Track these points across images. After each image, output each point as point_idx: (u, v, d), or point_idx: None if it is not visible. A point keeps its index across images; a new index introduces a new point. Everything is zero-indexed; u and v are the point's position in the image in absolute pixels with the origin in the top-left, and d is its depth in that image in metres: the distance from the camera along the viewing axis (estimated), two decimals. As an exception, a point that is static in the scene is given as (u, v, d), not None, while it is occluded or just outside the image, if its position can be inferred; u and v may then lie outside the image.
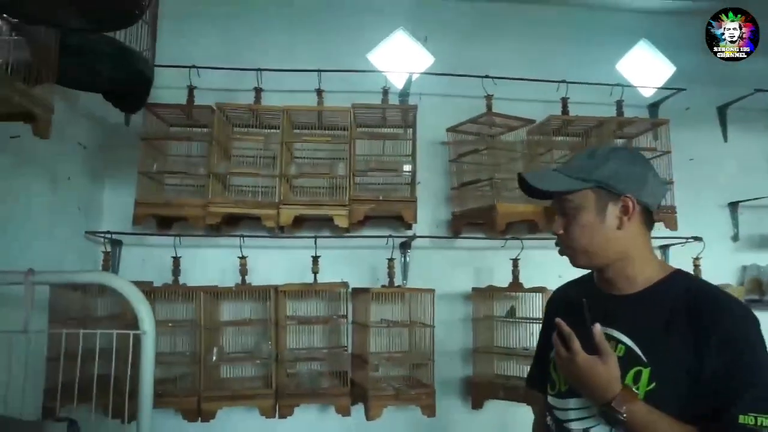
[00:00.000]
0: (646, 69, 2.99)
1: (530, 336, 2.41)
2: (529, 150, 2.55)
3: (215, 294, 2.33)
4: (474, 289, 2.50)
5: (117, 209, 2.48)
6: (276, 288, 2.25)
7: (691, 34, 3.09)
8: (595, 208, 1.04)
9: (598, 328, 0.97)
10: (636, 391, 0.96)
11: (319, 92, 2.50)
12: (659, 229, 2.71)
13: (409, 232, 2.55)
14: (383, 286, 2.40)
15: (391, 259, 2.39)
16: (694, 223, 2.61)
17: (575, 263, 1.09)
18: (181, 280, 2.37)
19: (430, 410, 2.23)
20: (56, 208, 2.14)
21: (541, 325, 1.33)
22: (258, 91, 2.48)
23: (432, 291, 2.34)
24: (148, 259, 2.50)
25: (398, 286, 2.38)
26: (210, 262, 2.52)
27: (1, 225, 1.77)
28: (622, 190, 1.03)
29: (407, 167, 2.38)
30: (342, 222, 2.26)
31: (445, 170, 2.73)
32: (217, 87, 2.55)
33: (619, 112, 2.64)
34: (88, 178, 2.41)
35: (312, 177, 2.39)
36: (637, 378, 0.98)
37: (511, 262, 2.48)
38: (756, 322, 0.96)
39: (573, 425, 1.07)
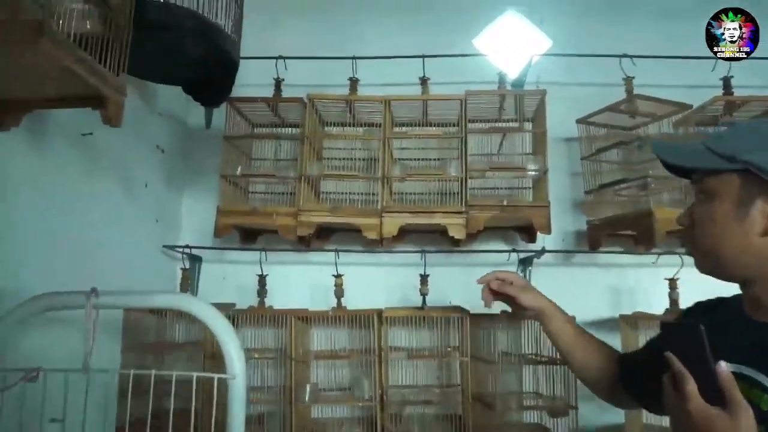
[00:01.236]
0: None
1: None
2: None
3: (307, 319, 1.98)
4: (622, 317, 2.01)
5: (197, 221, 2.20)
6: (380, 313, 1.87)
7: None
8: (736, 199, 0.78)
9: (723, 367, 0.68)
10: None
11: (424, 81, 2.13)
12: None
13: (534, 246, 2.11)
14: (504, 312, 1.97)
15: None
16: None
17: (699, 268, 0.86)
18: (267, 301, 2.04)
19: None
20: (131, 218, 1.87)
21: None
22: (353, 82, 2.14)
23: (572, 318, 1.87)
24: (230, 276, 2.19)
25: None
26: (298, 282, 2.19)
27: (68, 237, 1.49)
28: None
29: (533, 165, 1.95)
30: (458, 233, 1.86)
31: (570, 172, 2.27)
32: (306, 83, 2.23)
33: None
34: (166, 186, 2.15)
35: (420, 179, 2.01)
36: None
37: (667, 282, 1.98)
38: None
39: None
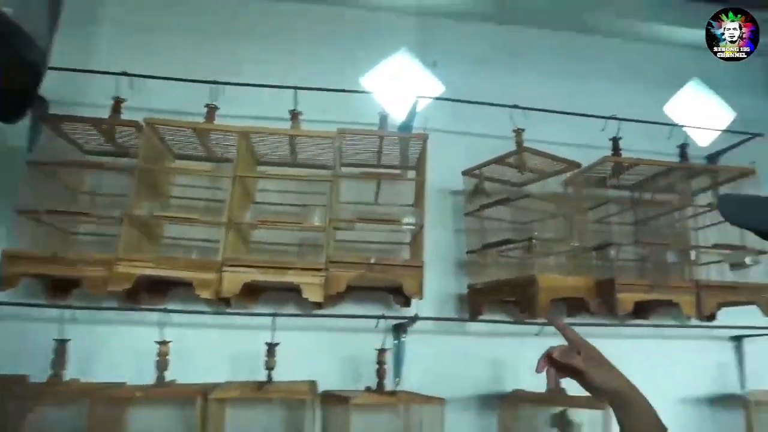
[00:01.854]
0: (700, 114, 2.43)
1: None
2: (574, 203, 1.90)
3: (114, 399, 1.55)
4: (501, 397, 1.76)
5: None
6: (205, 393, 1.48)
7: (755, 75, 2.62)
8: None
9: None
10: None
11: (294, 115, 1.84)
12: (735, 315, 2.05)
13: (408, 311, 1.84)
14: (368, 389, 1.66)
15: (382, 350, 1.65)
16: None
17: None
18: (72, 373, 1.60)
19: None
20: None
21: None
22: (211, 110, 1.81)
23: (442, 401, 1.59)
24: (29, 340, 1.72)
25: (391, 392, 1.63)
26: (121, 349, 1.76)
27: None
28: None
29: (410, 219, 1.70)
30: (314, 294, 1.54)
31: (454, 228, 2.06)
32: (158, 107, 1.88)
33: (684, 159, 2.03)
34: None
35: (274, 227, 1.68)
36: None
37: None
38: None
39: None
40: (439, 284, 1.98)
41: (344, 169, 1.89)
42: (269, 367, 1.57)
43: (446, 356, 1.93)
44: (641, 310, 2.02)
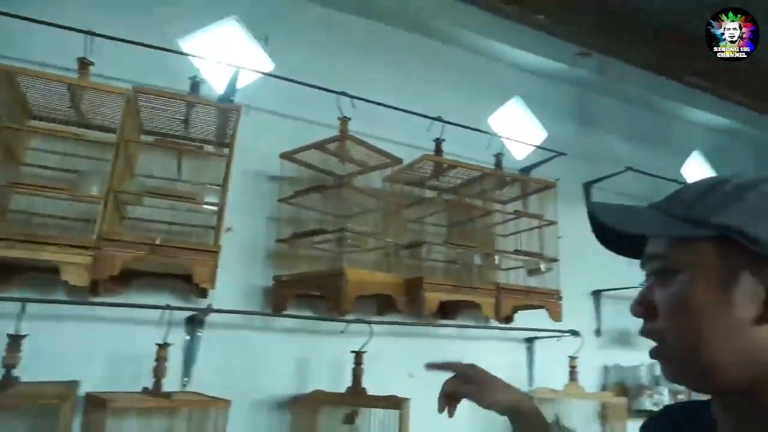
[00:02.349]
0: (518, 129, 2.58)
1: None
2: (392, 200, 1.86)
3: None
4: (295, 398, 1.65)
5: None
6: None
7: (567, 103, 2.88)
8: (715, 276, 0.54)
9: None
10: None
11: (84, 64, 1.54)
12: (527, 318, 2.19)
13: (203, 302, 1.64)
14: (145, 391, 1.43)
15: (162, 345, 1.43)
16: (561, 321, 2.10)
17: (670, 375, 0.58)
18: None
19: None
20: None
21: None
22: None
23: (226, 403, 1.43)
24: None
25: (167, 394, 1.42)
26: None
27: None
28: None
29: (212, 199, 1.50)
30: (76, 276, 1.27)
31: (268, 216, 1.90)
32: None
33: (498, 168, 2.12)
34: None
35: (37, 193, 1.37)
36: None
37: (353, 356, 1.70)
38: None
39: None
40: (246, 276, 1.81)
41: (142, 137, 1.63)
42: (7, 364, 1.26)
43: (247, 354, 1.76)
44: (448, 311, 2.06)
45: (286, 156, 1.80)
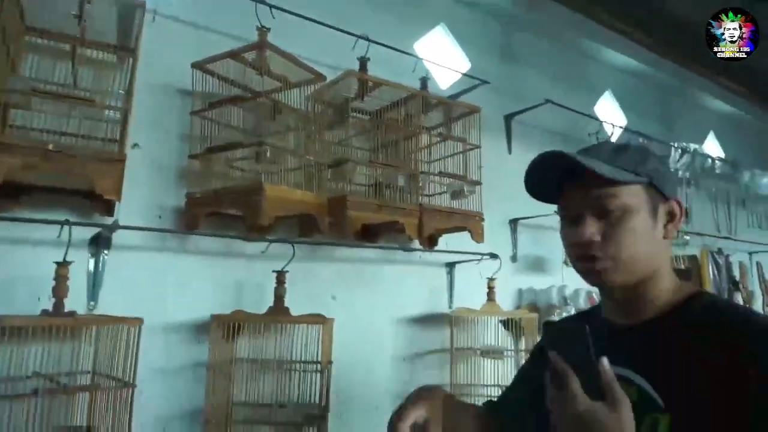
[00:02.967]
0: (443, 58, 2.55)
1: (303, 386, 1.62)
2: (313, 120, 1.79)
3: None
4: (214, 317, 1.59)
5: None
6: None
7: (490, 36, 2.87)
8: (648, 210, 0.83)
9: (605, 363, 0.71)
10: None
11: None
12: (450, 242, 2.24)
13: (108, 219, 1.52)
14: (45, 313, 1.32)
15: (62, 263, 1.32)
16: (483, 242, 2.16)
17: (611, 280, 0.82)
18: None
19: None
20: None
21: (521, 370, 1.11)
22: None
23: (138, 321, 1.35)
24: None
25: (71, 313, 1.31)
26: None
27: None
28: (669, 192, 0.85)
29: (115, 102, 1.36)
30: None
31: (180, 134, 1.77)
32: None
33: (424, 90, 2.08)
34: None
35: None
36: (653, 428, 0.76)
37: (275, 276, 1.66)
38: None
39: None
40: (156, 196, 1.69)
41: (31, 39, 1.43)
42: None
43: (160, 278, 1.67)
44: (371, 236, 2.06)
45: (199, 66, 1.67)
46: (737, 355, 0.73)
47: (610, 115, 3.15)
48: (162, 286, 1.67)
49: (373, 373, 2.11)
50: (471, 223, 1.94)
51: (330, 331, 1.65)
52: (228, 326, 1.55)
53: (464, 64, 2.62)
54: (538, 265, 2.74)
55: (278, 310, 1.60)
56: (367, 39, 1.98)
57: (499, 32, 2.88)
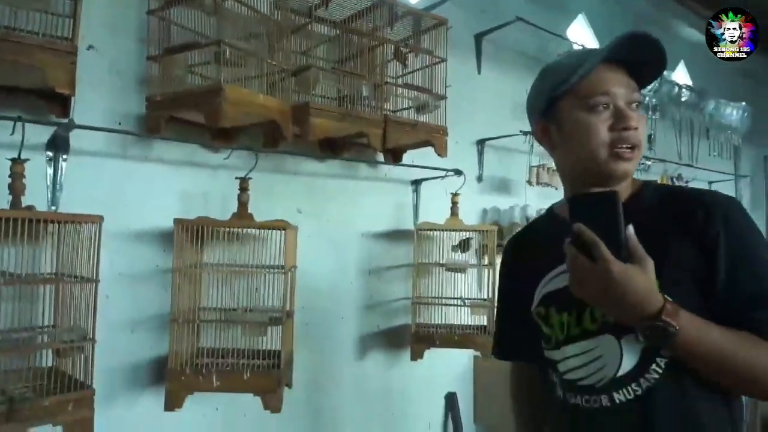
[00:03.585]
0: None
1: (257, 292, 1.67)
2: (277, 23, 1.74)
3: None
4: (177, 221, 1.60)
5: None
6: None
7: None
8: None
9: (631, 229, 0.79)
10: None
11: None
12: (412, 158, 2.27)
13: (63, 120, 1.49)
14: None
15: (16, 161, 1.30)
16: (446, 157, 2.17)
17: (631, 169, 0.91)
18: None
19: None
20: None
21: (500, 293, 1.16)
22: None
23: (99, 218, 1.36)
24: None
25: (29, 207, 1.31)
26: None
27: None
28: None
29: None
30: None
31: (139, 36, 1.70)
32: None
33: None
34: None
35: None
36: None
37: (238, 183, 1.67)
38: (744, 209, 0.89)
39: (585, 372, 0.90)
40: (114, 101, 1.64)
41: None
42: None
43: (121, 185, 1.66)
44: (336, 149, 2.06)
45: (153, -38, 1.59)
46: (697, 219, 0.85)
47: (584, 39, 3.13)
48: (125, 194, 1.66)
49: (339, 285, 2.17)
50: (435, 137, 1.96)
51: (293, 237, 1.69)
52: (192, 231, 1.57)
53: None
54: (503, 185, 2.79)
55: (242, 216, 1.62)
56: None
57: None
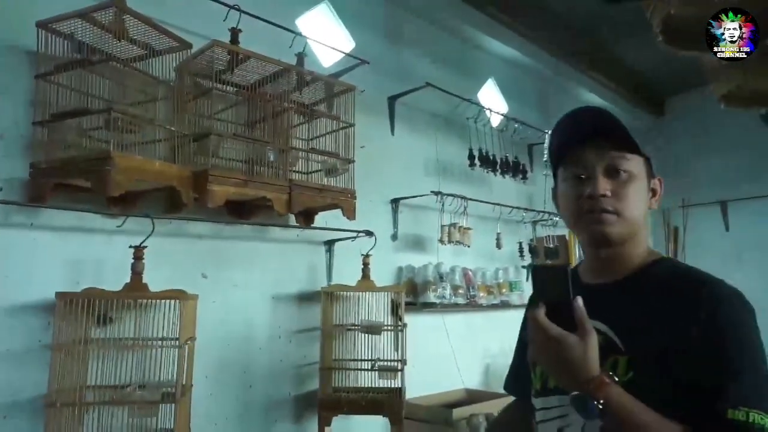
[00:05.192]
0: (326, 36, 2.54)
1: (164, 365, 1.57)
2: (179, 89, 1.72)
3: None
4: (59, 294, 1.49)
5: None
6: None
7: (377, 15, 2.89)
8: (645, 180, 1.00)
9: (579, 301, 0.85)
10: (615, 379, 0.84)
11: None
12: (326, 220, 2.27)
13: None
14: None
15: None
16: (360, 218, 2.13)
17: (610, 232, 0.95)
18: None
19: None
20: None
21: (519, 334, 1.22)
22: None
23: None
24: None
25: None
26: None
27: None
28: (654, 172, 1.03)
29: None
30: None
31: (26, 99, 1.63)
32: None
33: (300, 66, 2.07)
34: None
35: None
36: (614, 368, 0.89)
37: (132, 252, 1.59)
38: (748, 309, 0.89)
39: (551, 425, 0.98)
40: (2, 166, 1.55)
41: None
42: None
43: (2, 255, 1.55)
44: (245, 213, 2.03)
45: (44, 25, 1.54)
46: (688, 304, 0.87)
47: (493, 102, 3.31)
48: (5, 265, 1.55)
49: (248, 352, 2.09)
50: (342, 201, 1.97)
51: (192, 306, 1.62)
52: (77, 305, 1.47)
53: (348, 44, 2.63)
54: (417, 243, 2.84)
55: (135, 287, 1.54)
56: (239, 9, 1.93)
57: (384, 14, 2.92)
